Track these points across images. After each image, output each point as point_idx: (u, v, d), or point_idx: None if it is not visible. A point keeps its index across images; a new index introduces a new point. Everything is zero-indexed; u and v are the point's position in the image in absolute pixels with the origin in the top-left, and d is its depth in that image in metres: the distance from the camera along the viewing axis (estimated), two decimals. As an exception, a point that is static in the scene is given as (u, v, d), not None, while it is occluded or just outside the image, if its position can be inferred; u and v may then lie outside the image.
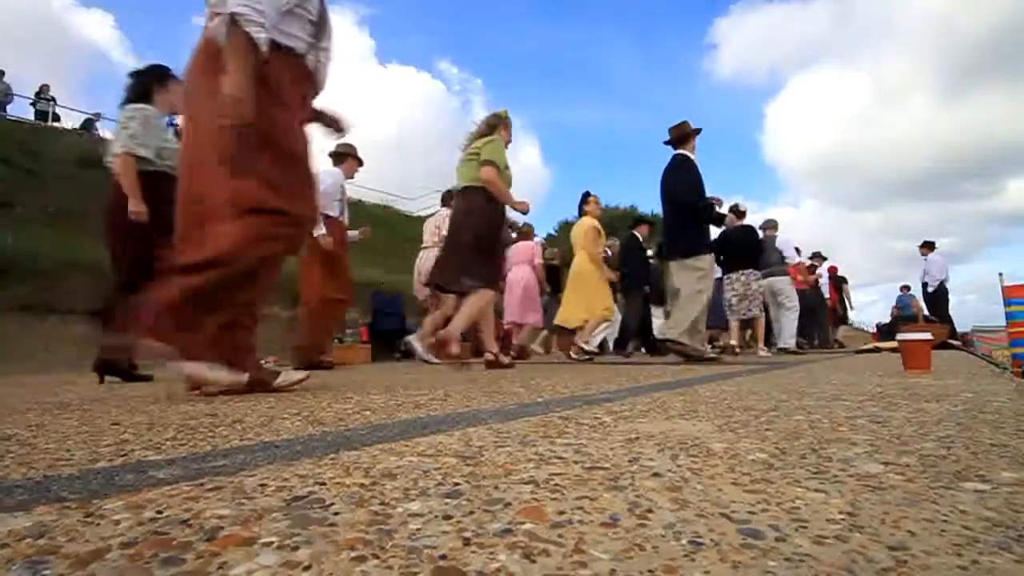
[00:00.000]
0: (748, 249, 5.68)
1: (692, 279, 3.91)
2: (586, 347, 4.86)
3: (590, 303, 4.86)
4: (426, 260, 4.90)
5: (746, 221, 5.82)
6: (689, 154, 4.03)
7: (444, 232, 4.09)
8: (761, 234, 6.10)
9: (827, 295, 8.69)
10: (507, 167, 3.28)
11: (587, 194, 5.09)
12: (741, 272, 5.62)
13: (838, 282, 9.62)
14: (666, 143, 4.16)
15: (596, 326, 5.08)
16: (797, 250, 7.20)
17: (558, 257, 7.13)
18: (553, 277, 6.65)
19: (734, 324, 5.72)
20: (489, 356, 3.33)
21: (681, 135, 4.05)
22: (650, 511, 0.46)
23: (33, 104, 13.16)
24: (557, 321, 5.17)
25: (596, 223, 4.99)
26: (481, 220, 3.20)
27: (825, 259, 8.86)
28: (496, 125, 3.37)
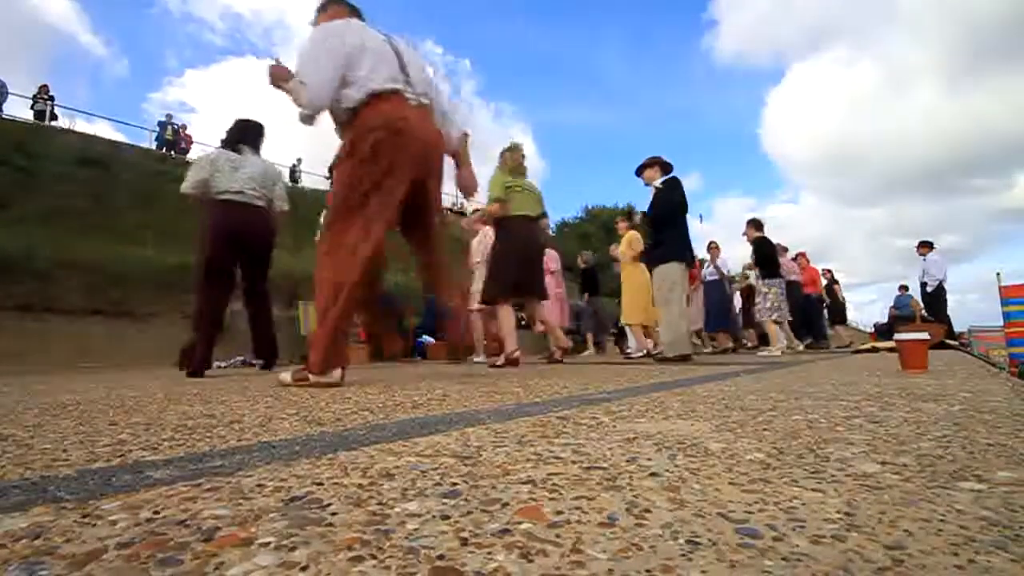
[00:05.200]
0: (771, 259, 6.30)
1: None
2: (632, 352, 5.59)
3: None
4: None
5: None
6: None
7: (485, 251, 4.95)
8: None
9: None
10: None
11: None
12: (772, 279, 6.17)
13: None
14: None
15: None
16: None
17: (590, 261, 7.29)
18: (590, 281, 6.80)
19: (773, 327, 6.18)
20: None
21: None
22: (648, 511, 0.47)
23: (32, 104, 13.13)
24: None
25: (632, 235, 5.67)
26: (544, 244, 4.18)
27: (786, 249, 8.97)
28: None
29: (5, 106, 12.37)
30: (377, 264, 2.02)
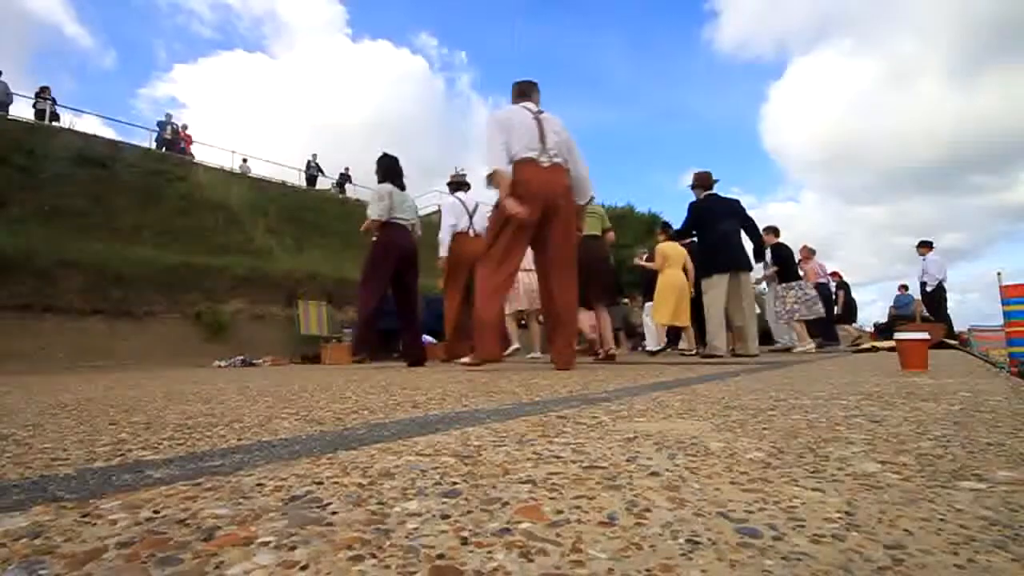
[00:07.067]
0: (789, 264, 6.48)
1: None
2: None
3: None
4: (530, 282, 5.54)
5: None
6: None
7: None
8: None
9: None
10: None
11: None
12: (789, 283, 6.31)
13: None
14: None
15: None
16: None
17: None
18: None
19: (799, 326, 6.26)
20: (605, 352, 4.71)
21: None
22: (648, 510, 0.47)
23: (33, 104, 13.12)
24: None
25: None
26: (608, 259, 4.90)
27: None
28: None
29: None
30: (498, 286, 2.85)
